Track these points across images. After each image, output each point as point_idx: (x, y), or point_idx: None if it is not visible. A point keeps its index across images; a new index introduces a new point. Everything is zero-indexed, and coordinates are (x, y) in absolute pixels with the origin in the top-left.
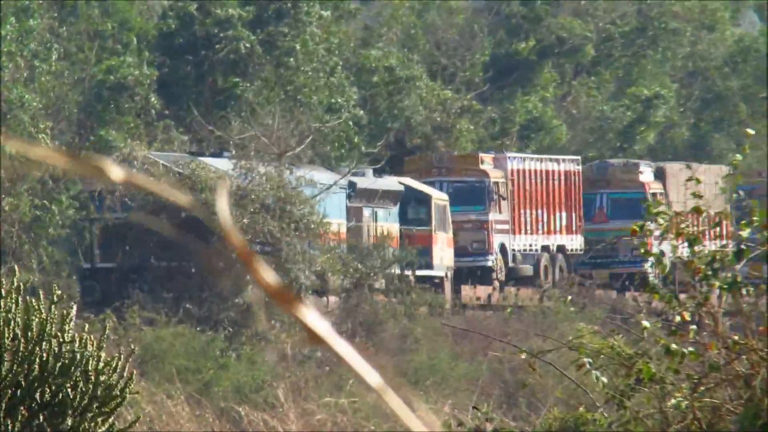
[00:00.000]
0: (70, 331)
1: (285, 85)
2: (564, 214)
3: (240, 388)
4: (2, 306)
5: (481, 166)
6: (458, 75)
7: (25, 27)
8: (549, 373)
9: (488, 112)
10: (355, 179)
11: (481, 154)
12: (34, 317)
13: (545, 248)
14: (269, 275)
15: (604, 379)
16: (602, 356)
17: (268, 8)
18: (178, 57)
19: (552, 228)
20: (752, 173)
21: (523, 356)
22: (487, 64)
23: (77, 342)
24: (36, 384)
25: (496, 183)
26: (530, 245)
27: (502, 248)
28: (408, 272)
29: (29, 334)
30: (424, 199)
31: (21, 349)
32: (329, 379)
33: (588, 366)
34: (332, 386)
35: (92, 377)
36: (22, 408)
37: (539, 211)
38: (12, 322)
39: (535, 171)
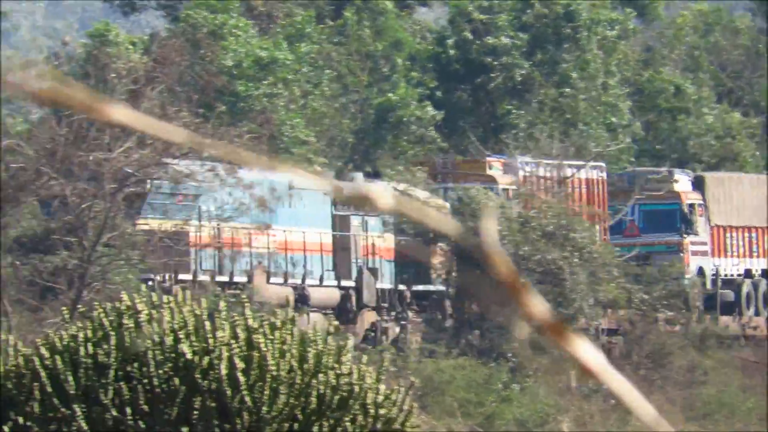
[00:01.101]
0: (348, 363)
1: (563, 111)
2: (598, 227)
3: (523, 422)
4: (277, 337)
5: (489, 172)
6: (744, 98)
7: (299, 52)
8: None
9: None
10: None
11: (488, 158)
12: (310, 348)
13: None
14: (540, 306)
15: None
16: None
17: (547, 33)
18: (454, 82)
19: None
20: None
21: None
22: None
23: (355, 374)
24: (314, 417)
25: (506, 190)
26: None
27: None
28: (403, 287)
29: (305, 366)
30: None
31: (297, 381)
32: (615, 413)
33: None
34: (619, 420)
35: (371, 410)
36: None
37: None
38: (287, 354)
39: (552, 178)
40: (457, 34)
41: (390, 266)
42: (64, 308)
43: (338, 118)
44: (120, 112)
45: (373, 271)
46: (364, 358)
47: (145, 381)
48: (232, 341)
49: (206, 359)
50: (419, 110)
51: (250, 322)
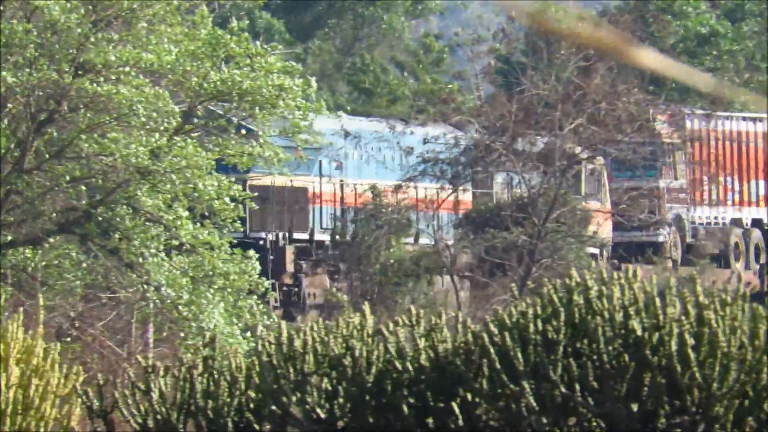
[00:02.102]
0: None
1: None
2: (762, 183)
3: None
4: (727, 314)
5: (653, 125)
6: None
7: (741, 30)
8: None
9: None
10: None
11: (652, 110)
12: (761, 325)
13: (736, 222)
14: None
15: None
16: None
17: None
18: None
19: (746, 199)
20: None
21: None
22: None
23: None
24: (765, 394)
25: (671, 144)
26: (716, 218)
27: (678, 221)
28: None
29: (756, 342)
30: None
31: (748, 358)
32: None
33: None
34: None
35: None
36: (750, 419)
37: (728, 179)
38: (738, 330)
39: (723, 132)
40: None
41: None
42: (512, 284)
43: None
44: (648, 57)
45: None
46: None
47: (595, 357)
48: (683, 317)
49: (656, 335)
50: None
51: (701, 298)
